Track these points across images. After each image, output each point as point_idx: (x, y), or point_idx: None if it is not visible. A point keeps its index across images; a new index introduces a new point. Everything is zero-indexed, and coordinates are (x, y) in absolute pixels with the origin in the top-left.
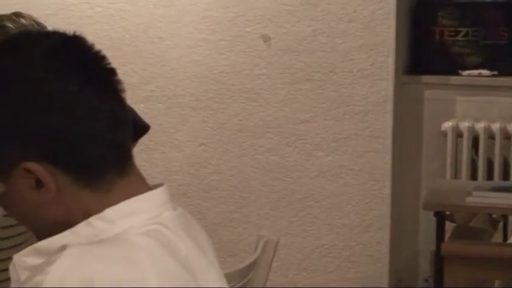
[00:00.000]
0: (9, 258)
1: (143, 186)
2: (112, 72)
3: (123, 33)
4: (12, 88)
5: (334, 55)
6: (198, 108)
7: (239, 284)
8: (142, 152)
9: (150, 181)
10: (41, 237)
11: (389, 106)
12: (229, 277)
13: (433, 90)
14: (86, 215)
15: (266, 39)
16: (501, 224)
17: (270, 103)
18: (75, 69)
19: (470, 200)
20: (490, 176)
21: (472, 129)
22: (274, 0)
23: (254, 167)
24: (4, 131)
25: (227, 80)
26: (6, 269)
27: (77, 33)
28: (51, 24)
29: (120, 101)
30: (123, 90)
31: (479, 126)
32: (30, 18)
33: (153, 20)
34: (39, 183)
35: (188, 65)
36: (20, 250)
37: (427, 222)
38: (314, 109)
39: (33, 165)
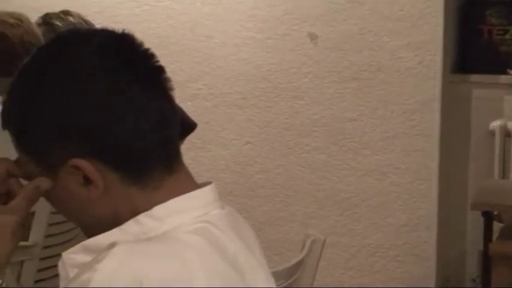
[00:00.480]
0: (58, 255)
1: (191, 184)
2: (161, 70)
3: (170, 31)
4: (62, 86)
5: (381, 54)
6: (244, 106)
7: (286, 283)
8: (189, 150)
9: (197, 179)
10: (89, 234)
11: (436, 105)
12: (276, 276)
13: (481, 89)
14: (134, 212)
15: (313, 37)
16: None
17: (317, 101)
18: (124, 67)
19: None
20: None
21: None
22: None
23: (300, 165)
24: (53, 128)
25: (274, 79)
26: (55, 266)
27: (126, 31)
28: (99, 22)
29: (168, 99)
30: (171, 88)
31: None
32: (79, 16)
33: (200, 18)
34: (87, 180)
35: (235, 63)
36: (68, 247)
37: (474, 221)
38: (361, 108)
39: (81, 162)
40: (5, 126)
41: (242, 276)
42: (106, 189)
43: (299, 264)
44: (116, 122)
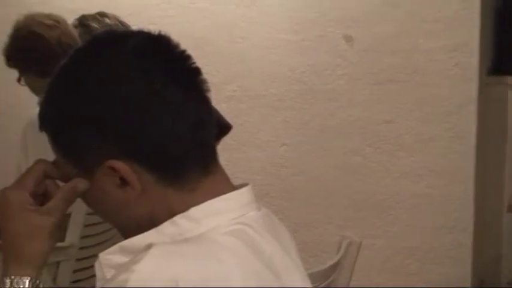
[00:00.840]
0: (94, 256)
1: (228, 186)
2: (197, 71)
3: (205, 32)
4: (99, 87)
5: (417, 56)
6: (280, 108)
7: (322, 285)
8: (224, 152)
9: (232, 181)
10: (125, 235)
11: (473, 107)
12: (312, 278)
13: None
14: (170, 213)
15: (348, 39)
16: None
17: (352, 104)
18: (160, 69)
19: None
20: None
21: None
22: (357, 0)
23: (336, 167)
24: (90, 129)
25: (309, 80)
26: (91, 267)
27: (162, 33)
28: (134, 23)
29: (205, 101)
30: (208, 90)
31: None
32: (115, 18)
33: (235, 19)
34: (123, 182)
35: (270, 65)
36: (104, 248)
37: (510, 224)
38: (396, 110)
39: (118, 164)
40: (42, 127)
41: (278, 277)
42: (142, 191)
43: (335, 266)
44: (152, 123)
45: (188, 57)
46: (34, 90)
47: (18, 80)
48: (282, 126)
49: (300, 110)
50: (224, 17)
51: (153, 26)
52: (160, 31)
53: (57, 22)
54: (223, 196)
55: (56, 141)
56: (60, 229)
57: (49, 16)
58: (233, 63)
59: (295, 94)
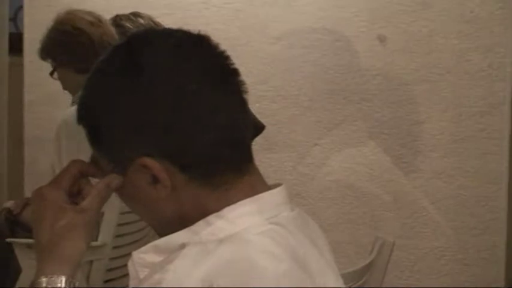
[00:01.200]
0: (127, 255)
1: (262, 186)
2: (235, 72)
3: (239, 33)
4: (136, 84)
5: (450, 56)
6: (312, 108)
7: (355, 286)
8: (256, 152)
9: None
10: (159, 233)
11: (506, 108)
12: (345, 278)
13: None
14: (203, 213)
15: (382, 39)
16: None
17: (385, 104)
18: (199, 68)
19: None
20: None
21: None
22: (390, 0)
23: (368, 167)
24: (125, 125)
25: (342, 81)
26: (124, 266)
27: (202, 33)
28: (168, 23)
29: (242, 102)
30: (245, 91)
31: None
32: (148, 18)
33: (269, 20)
34: (155, 179)
35: (303, 65)
36: (138, 247)
37: None
38: (429, 110)
39: (150, 161)
40: (80, 121)
41: (311, 277)
42: (174, 189)
43: (368, 266)
44: (186, 123)
45: (227, 58)
46: (68, 85)
47: (51, 74)
48: (315, 126)
49: (332, 110)
50: (258, 17)
51: (187, 26)
52: (199, 31)
53: (99, 20)
54: (257, 196)
55: (93, 135)
56: (95, 227)
57: (91, 13)
58: (266, 63)
59: (328, 94)
